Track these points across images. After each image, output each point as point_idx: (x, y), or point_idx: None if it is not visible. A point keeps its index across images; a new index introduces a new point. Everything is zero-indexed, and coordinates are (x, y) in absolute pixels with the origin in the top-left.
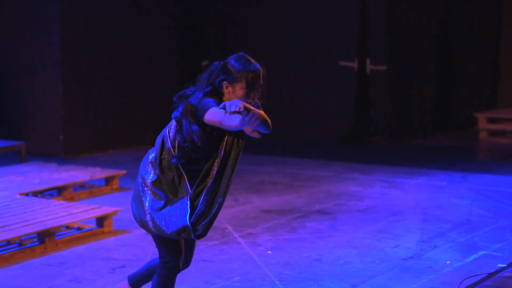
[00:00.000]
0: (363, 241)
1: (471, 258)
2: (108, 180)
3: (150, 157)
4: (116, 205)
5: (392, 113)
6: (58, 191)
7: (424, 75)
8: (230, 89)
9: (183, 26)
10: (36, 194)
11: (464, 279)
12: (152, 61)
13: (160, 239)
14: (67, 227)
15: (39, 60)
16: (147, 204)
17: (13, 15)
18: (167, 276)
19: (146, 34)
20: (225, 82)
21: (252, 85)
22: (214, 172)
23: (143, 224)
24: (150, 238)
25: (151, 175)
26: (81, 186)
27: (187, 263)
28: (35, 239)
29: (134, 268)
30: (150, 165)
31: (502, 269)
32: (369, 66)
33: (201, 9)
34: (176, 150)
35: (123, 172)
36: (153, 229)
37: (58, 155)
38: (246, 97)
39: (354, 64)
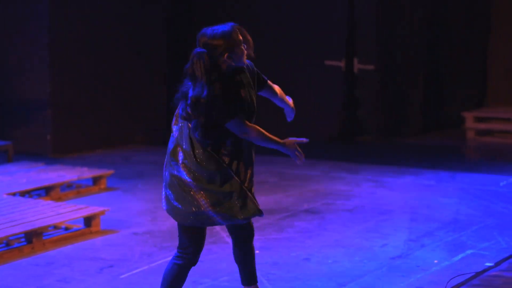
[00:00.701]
0: (351, 241)
1: (459, 257)
2: (95, 180)
3: (180, 160)
4: (103, 205)
5: (380, 112)
6: (45, 191)
7: (412, 75)
8: (231, 56)
9: (173, 27)
10: (23, 194)
11: (451, 278)
12: (141, 60)
13: (187, 230)
14: (55, 227)
15: (27, 60)
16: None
17: (1, 14)
18: (183, 267)
19: (135, 34)
20: (225, 54)
21: (245, 37)
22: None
23: (199, 220)
24: (137, 238)
25: (186, 175)
26: (68, 186)
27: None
28: (23, 239)
29: (122, 267)
30: (182, 167)
31: (489, 268)
32: (357, 66)
33: (190, 10)
34: (206, 139)
35: (111, 172)
36: (220, 221)
37: (46, 155)
38: (244, 54)
39: (341, 64)
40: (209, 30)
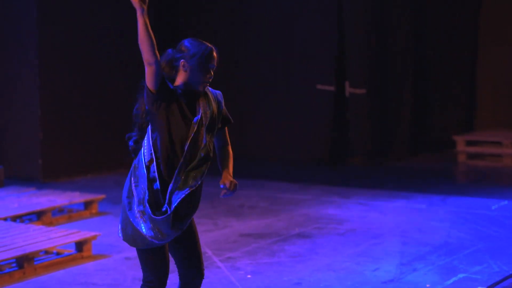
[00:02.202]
0: (343, 265)
1: (451, 281)
2: (87, 205)
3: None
4: (95, 230)
5: (371, 135)
6: (37, 216)
7: (403, 98)
8: (186, 65)
9: (161, 50)
10: (14, 218)
11: None
12: (130, 84)
13: (146, 258)
14: (46, 252)
15: (17, 84)
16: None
17: None
18: None
19: (124, 58)
20: (182, 60)
21: (207, 63)
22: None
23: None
24: (129, 262)
25: None
26: (60, 211)
27: (198, 275)
28: (14, 264)
29: None
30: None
31: None
32: (348, 89)
33: (178, 34)
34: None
35: (102, 196)
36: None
37: (37, 179)
38: (202, 75)
39: (332, 88)
40: (191, 39)
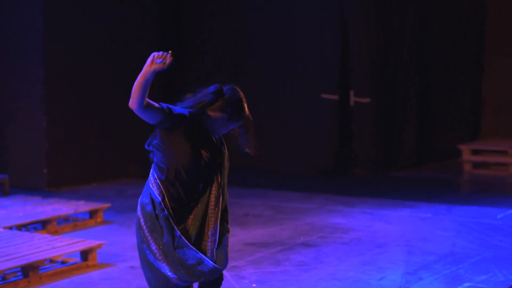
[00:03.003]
0: (348, 274)
1: None
2: (92, 213)
3: None
4: (100, 239)
5: (376, 145)
6: (42, 225)
7: (408, 107)
8: (225, 121)
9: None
10: (19, 227)
11: None
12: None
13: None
14: (51, 260)
15: (22, 94)
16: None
17: None
18: None
19: (127, 67)
20: (226, 115)
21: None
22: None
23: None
24: (134, 271)
25: None
26: (65, 220)
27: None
28: (19, 273)
29: None
30: None
31: None
32: (352, 98)
33: (181, 43)
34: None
35: (107, 205)
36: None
37: (42, 189)
38: (225, 131)
39: (336, 97)
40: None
